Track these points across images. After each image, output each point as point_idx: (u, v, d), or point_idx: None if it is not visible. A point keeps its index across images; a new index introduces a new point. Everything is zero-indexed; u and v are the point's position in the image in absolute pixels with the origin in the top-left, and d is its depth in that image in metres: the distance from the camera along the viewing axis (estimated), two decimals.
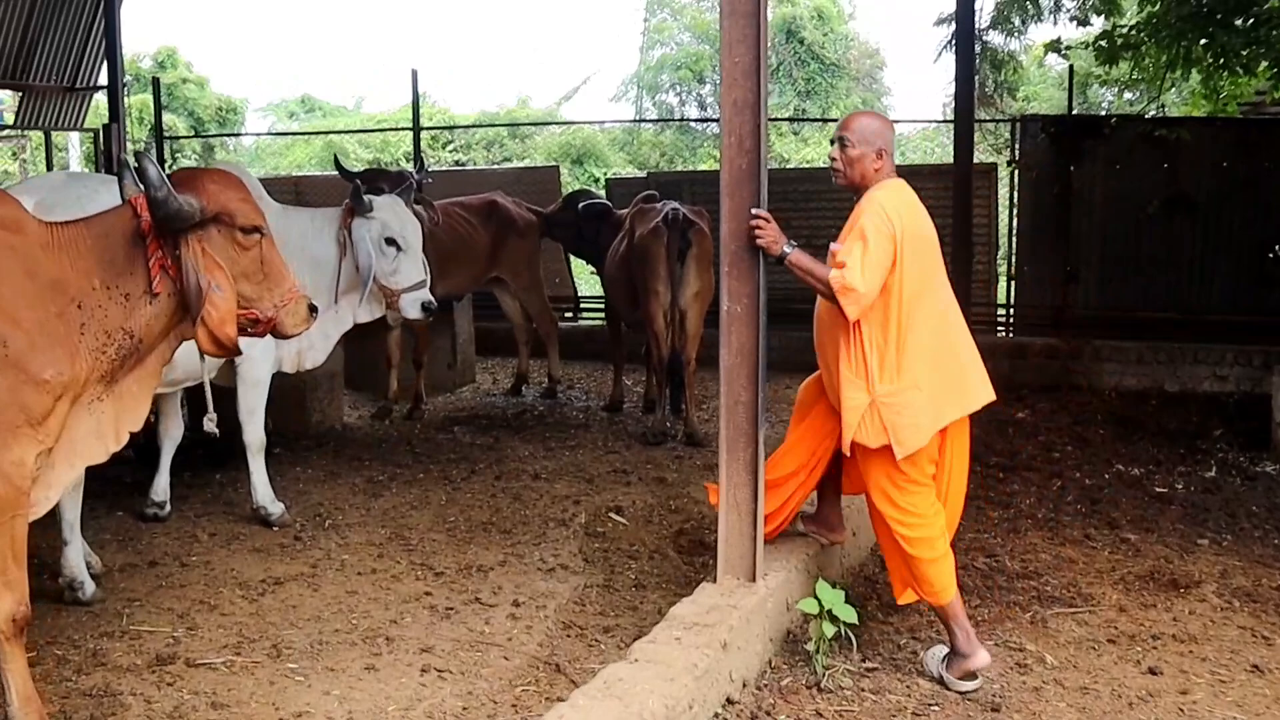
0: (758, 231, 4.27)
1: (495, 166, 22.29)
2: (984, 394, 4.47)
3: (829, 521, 5.04)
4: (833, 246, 4.37)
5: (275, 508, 6.23)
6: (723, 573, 4.44)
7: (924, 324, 4.33)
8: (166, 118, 32.75)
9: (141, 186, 3.65)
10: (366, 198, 6.35)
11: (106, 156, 12.74)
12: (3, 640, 3.70)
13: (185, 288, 3.71)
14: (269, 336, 5.97)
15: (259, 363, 6.17)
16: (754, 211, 4.28)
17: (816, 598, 4.35)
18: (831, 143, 4.54)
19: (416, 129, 12.74)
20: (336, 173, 8.58)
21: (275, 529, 6.14)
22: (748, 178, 4.32)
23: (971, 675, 4.31)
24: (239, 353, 3.90)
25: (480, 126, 26.00)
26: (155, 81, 13.85)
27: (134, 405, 3.95)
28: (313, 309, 4.14)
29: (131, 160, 3.87)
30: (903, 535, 4.36)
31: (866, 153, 4.38)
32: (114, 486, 6.97)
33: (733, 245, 4.36)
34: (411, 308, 6.48)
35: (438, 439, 8.39)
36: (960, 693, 4.27)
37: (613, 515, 6.38)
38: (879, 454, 4.34)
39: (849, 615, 4.32)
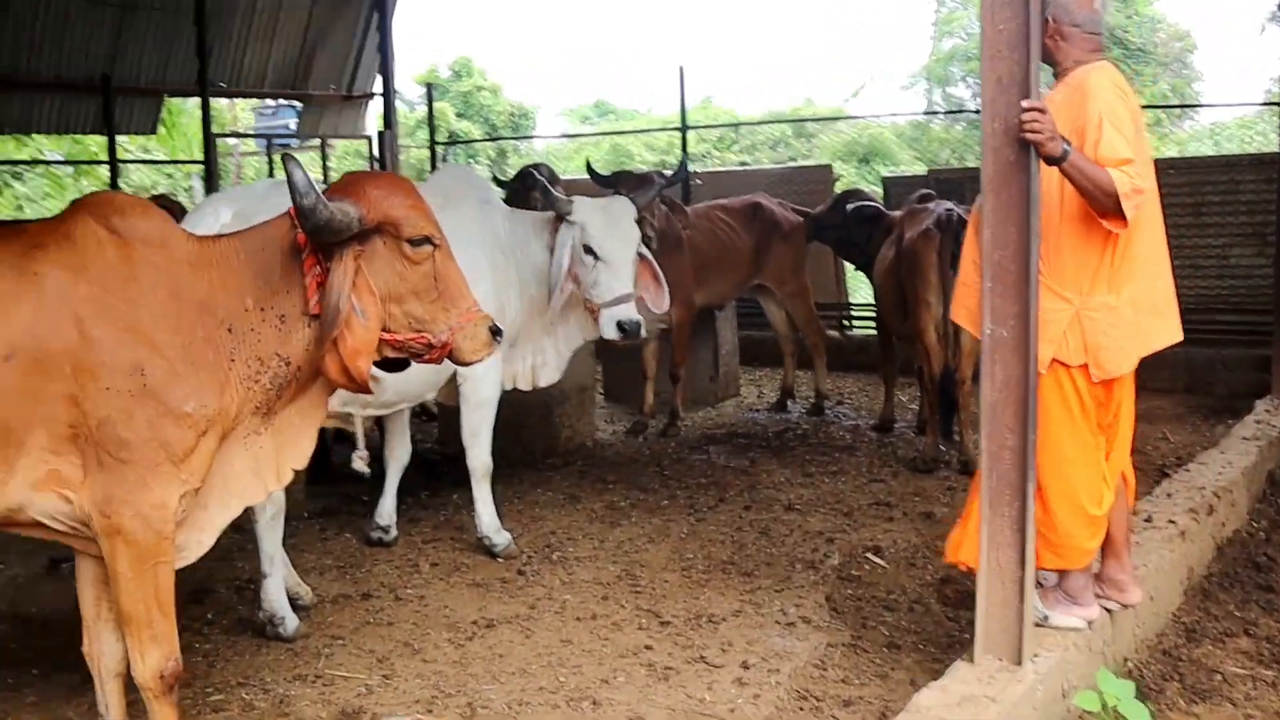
0: (1033, 125, 3.48)
1: (766, 166, 21.63)
2: (1179, 330, 3.99)
3: (1117, 581, 4.19)
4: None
5: (500, 538, 5.80)
6: (981, 651, 3.67)
7: (1146, 229, 3.83)
8: (461, 124, 33.87)
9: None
10: (565, 199, 5.82)
11: (380, 163, 12.84)
12: (151, 698, 3.36)
13: (323, 305, 3.26)
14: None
15: (485, 381, 5.73)
16: (1025, 104, 3.48)
17: (1098, 690, 3.51)
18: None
19: (684, 129, 12.23)
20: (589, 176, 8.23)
21: (499, 560, 5.72)
22: (1015, 170, 3.53)
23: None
24: (368, 390, 3.41)
25: (748, 124, 25.38)
26: (429, 88, 14.02)
27: (296, 439, 3.56)
28: (496, 332, 3.60)
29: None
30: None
31: (1078, 33, 3.88)
32: (350, 505, 6.75)
33: (997, 254, 3.58)
34: (608, 326, 5.75)
35: (690, 460, 7.82)
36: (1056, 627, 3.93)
37: (870, 556, 5.65)
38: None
39: (1140, 716, 3.45)
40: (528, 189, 8.80)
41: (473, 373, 5.65)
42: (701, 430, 8.78)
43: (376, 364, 3.60)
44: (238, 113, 24.44)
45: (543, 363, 6.13)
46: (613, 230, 5.79)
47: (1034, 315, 3.54)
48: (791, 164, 21.31)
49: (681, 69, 11.97)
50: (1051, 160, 3.57)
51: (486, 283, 5.64)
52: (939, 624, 4.82)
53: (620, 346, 6.37)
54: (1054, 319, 3.78)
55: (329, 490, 7.16)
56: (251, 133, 20.92)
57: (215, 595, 5.32)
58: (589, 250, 5.71)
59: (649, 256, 5.88)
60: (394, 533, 6.03)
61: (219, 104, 24.58)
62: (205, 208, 5.04)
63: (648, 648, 4.61)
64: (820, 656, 4.50)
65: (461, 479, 6.27)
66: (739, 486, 7.00)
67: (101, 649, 3.51)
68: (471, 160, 30.27)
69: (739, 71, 52.93)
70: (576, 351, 6.37)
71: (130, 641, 3.31)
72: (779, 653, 4.54)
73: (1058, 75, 3.99)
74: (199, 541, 3.50)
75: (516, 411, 7.98)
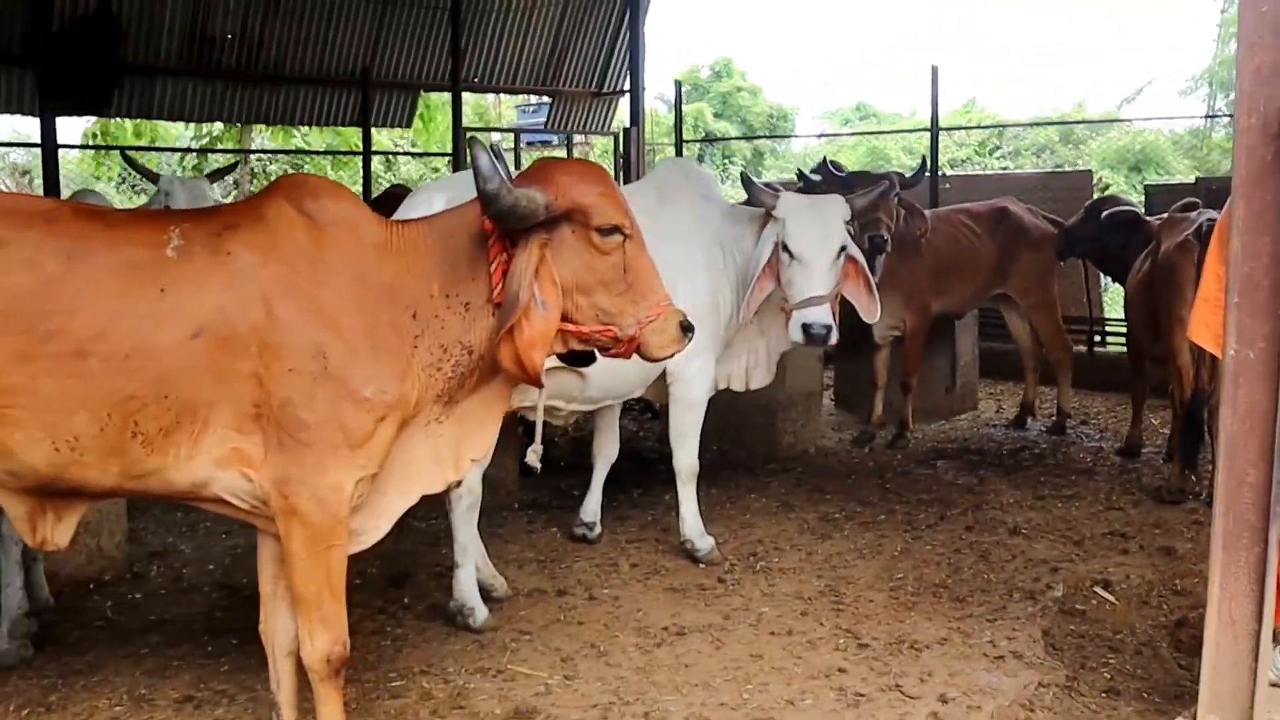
0: None
1: (1022, 171, 20.72)
2: None
3: None
4: None
5: (703, 542, 5.63)
6: (1206, 711, 3.27)
7: None
8: (719, 125, 33.96)
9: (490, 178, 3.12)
10: (770, 194, 5.56)
11: (624, 161, 12.85)
12: (317, 680, 3.35)
13: (504, 292, 3.16)
14: (704, 352, 5.52)
15: (695, 381, 5.57)
16: None
17: None
18: None
19: (934, 130, 11.76)
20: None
21: (701, 566, 5.55)
22: (1272, 173, 3.13)
23: None
24: (539, 384, 3.27)
25: (1003, 126, 24.42)
26: (678, 87, 13.87)
27: (478, 430, 3.48)
28: (687, 327, 3.43)
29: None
30: None
31: None
32: (560, 499, 6.71)
33: (1247, 266, 3.19)
34: (795, 328, 5.42)
35: (915, 473, 7.47)
36: None
37: (1098, 590, 5.21)
38: None
39: None
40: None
41: (683, 372, 5.51)
42: (931, 443, 8.40)
43: (561, 356, 3.50)
44: (502, 110, 25.10)
45: (755, 363, 5.93)
46: (812, 228, 5.46)
47: None
48: (1048, 170, 20.33)
49: (935, 68, 11.52)
50: None
51: (702, 281, 5.48)
52: (1168, 671, 4.38)
53: (809, 350, 6.11)
54: None
55: (542, 482, 7.15)
56: (502, 127, 21.41)
57: (415, 580, 5.34)
58: (786, 248, 5.45)
59: (860, 260, 5.56)
60: (598, 530, 5.94)
61: (484, 100, 25.34)
62: (419, 195, 5.05)
63: (841, 670, 4.36)
64: (1029, 696, 4.14)
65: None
66: (963, 505, 6.62)
67: (276, 626, 3.53)
68: (728, 161, 30.25)
69: (1006, 74, 51.35)
70: (790, 353, 6.11)
71: (300, 622, 3.31)
72: (983, 688, 4.20)
73: None
74: (376, 527, 3.47)
75: (740, 414, 7.84)
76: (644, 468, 7.46)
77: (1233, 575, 3.23)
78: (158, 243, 3.12)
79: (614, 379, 5.15)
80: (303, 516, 3.16)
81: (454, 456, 3.47)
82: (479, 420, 3.48)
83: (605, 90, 14.67)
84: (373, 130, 14.38)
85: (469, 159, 3.13)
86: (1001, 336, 9.71)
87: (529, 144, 21.51)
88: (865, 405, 8.70)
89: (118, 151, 14.63)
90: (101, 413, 3.03)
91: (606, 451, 5.94)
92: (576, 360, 3.55)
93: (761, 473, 7.43)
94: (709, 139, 30.94)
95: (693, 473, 5.66)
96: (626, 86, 14.35)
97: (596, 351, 3.48)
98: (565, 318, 3.29)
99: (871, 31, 57.72)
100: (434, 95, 16.49)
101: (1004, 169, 24.96)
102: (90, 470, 3.11)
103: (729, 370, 5.90)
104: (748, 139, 31.50)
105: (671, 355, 3.46)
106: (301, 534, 3.18)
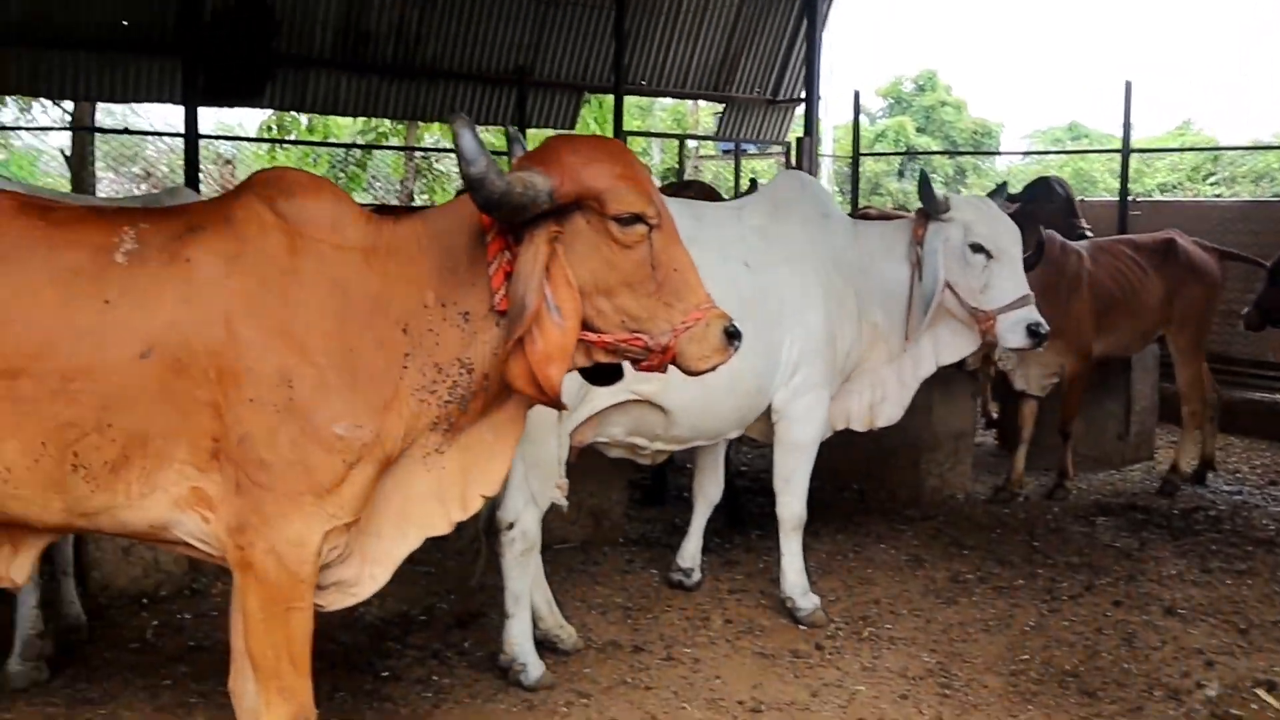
0: None
1: (1221, 199, 19.26)
2: None
3: None
4: None
5: (806, 601, 5.07)
6: None
7: None
8: (921, 139, 33.01)
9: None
10: (941, 195, 4.99)
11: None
12: None
13: (509, 298, 2.69)
14: (815, 388, 4.97)
15: (803, 421, 5.01)
16: None
17: None
18: None
19: (1125, 150, 10.84)
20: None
21: (801, 628, 4.99)
22: None
23: None
24: (560, 405, 2.79)
25: (1204, 150, 22.83)
26: (856, 96, 13.18)
27: (488, 461, 3.01)
28: (733, 334, 2.87)
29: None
30: None
31: None
32: (669, 535, 6.23)
33: None
34: (1013, 333, 4.93)
35: (1068, 530, 6.72)
36: None
37: (1259, 693, 4.47)
38: None
39: None
40: (1036, 201, 8.18)
41: (790, 410, 4.97)
42: (1095, 496, 7.61)
43: (584, 372, 3.01)
44: (700, 116, 24.69)
45: (882, 397, 5.32)
46: (1003, 222, 5.02)
47: None
48: (1252, 200, 18.83)
49: (1128, 84, 10.61)
50: None
51: (816, 308, 4.95)
52: None
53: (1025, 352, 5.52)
54: None
55: (655, 515, 6.71)
56: (666, 133, 21.02)
57: (483, 622, 4.92)
58: (977, 249, 4.92)
59: None
60: (696, 576, 5.44)
61: (683, 106, 24.97)
62: None
63: None
64: None
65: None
66: (1114, 574, 5.87)
67: (243, 687, 3.12)
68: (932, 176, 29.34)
69: (1225, 96, 48.62)
70: (940, 387, 5.51)
71: (259, 689, 2.90)
72: None
73: None
74: (371, 576, 3.04)
75: (884, 452, 7.23)
76: (771, 506, 6.91)
77: None
78: (106, 245, 2.74)
79: (705, 416, 4.65)
80: (259, 572, 2.76)
81: (460, 492, 3.01)
82: (489, 450, 3.01)
83: (780, 99, 14.12)
84: (533, 131, 14.17)
85: (452, 135, 2.65)
86: None
87: (725, 153, 21.05)
88: (1040, 448, 7.91)
89: (291, 144, 14.77)
90: (35, 442, 2.67)
91: (708, 493, 5.43)
92: (602, 376, 3.05)
93: (898, 519, 6.81)
94: (907, 152, 30.05)
95: (799, 522, 5.11)
96: (803, 95, 13.86)
97: (626, 365, 2.98)
98: (586, 325, 2.80)
99: (1088, 47, 55.36)
100: (607, 98, 16.21)
101: (1216, 196, 23.40)
102: (30, 505, 2.76)
103: (848, 408, 5.33)
104: (948, 154, 30.48)
105: (714, 367, 2.89)
106: (258, 592, 2.78)
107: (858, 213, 9.48)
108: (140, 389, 2.69)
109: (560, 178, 2.69)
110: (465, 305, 2.82)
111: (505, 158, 4.21)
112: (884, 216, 7.90)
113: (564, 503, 3.17)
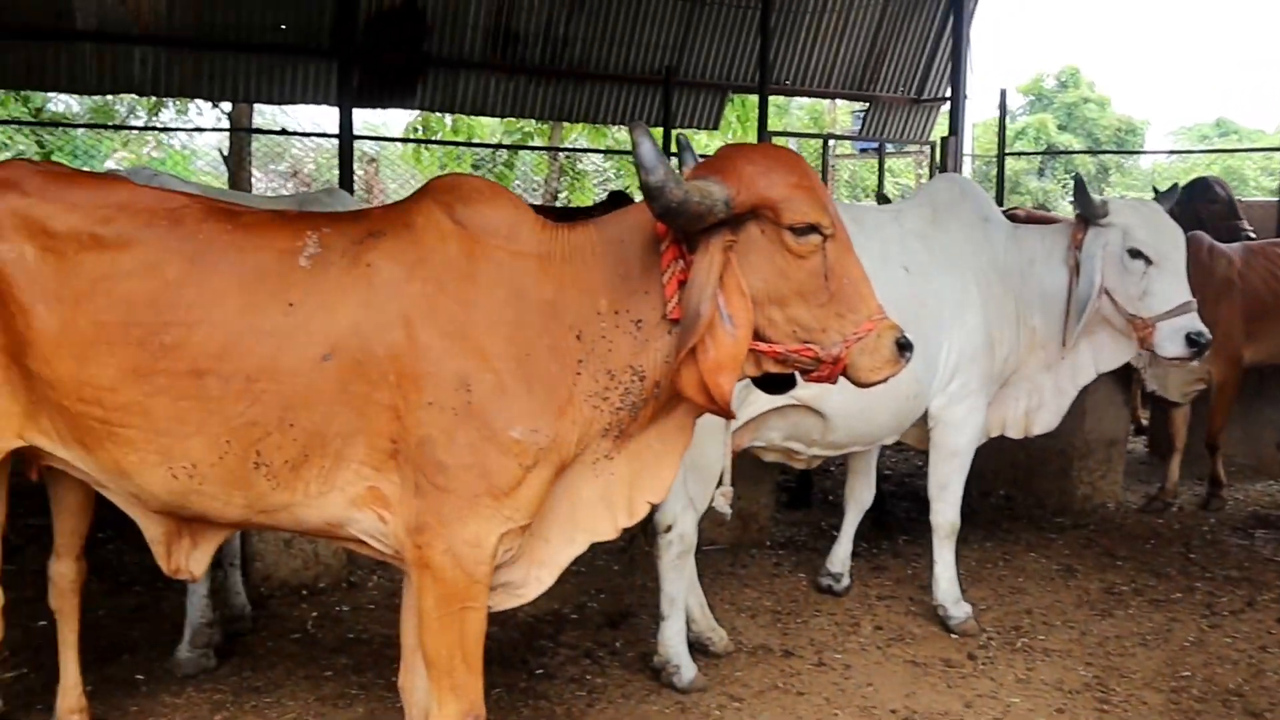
0: None
1: None
2: None
3: None
4: None
5: (958, 610, 5.03)
6: None
7: None
8: (1063, 137, 32.31)
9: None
10: (1099, 199, 4.89)
11: (943, 170, 12.17)
12: None
13: (682, 307, 2.71)
14: (974, 394, 4.93)
15: (960, 427, 4.96)
16: None
17: None
18: None
19: None
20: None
21: (953, 636, 4.95)
22: None
23: None
24: (730, 414, 2.81)
25: None
26: (1002, 94, 12.93)
27: (655, 468, 3.04)
28: (904, 346, 2.86)
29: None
30: None
31: None
32: (817, 539, 6.24)
33: None
34: (1171, 341, 4.80)
35: (1226, 543, 6.54)
36: None
37: None
38: None
39: None
40: (1195, 202, 8.05)
41: (948, 416, 4.94)
42: (1253, 507, 7.39)
43: (756, 381, 3.02)
44: (837, 115, 24.53)
45: (1038, 404, 5.26)
46: (1166, 226, 4.91)
47: None
48: None
49: None
50: None
51: (975, 314, 4.90)
52: None
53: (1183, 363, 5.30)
54: None
55: (801, 518, 6.72)
56: (806, 132, 20.86)
57: (635, 622, 4.99)
58: (1136, 254, 4.83)
59: None
60: (845, 581, 5.44)
61: (819, 105, 24.82)
62: None
63: None
64: None
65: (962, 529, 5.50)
66: (1277, 590, 5.70)
67: (414, 683, 3.21)
68: (1070, 176, 28.68)
69: None
70: (1091, 394, 5.41)
71: (431, 686, 2.97)
72: None
73: None
74: (538, 579, 3.11)
75: (1033, 458, 7.14)
76: (918, 512, 6.87)
77: None
78: (291, 250, 2.85)
79: (862, 423, 4.64)
80: (436, 571, 2.84)
81: (627, 498, 3.05)
82: (656, 457, 3.04)
83: (925, 98, 13.96)
84: (679, 131, 14.23)
85: (630, 143, 2.68)
86: None
87: (861, 151, 20.84)
88: (1193, 457, 7.70)
89: (437, 145, 15.01)
90: (220, 439, 2.80)
91: (860, 497, 5.42)
92: (773, 385, 3.06)
93: (1048, 528, 6.70)
94: (1049, 151, 29.43)
95: (952, 530, 5.07)
96: (948, 94, 13.68)
97: (797, 375, 2.98)
98: (757, 335, 2.82)
99: (1235, 40, 53.50)
100: (749, 97, 16.18)
101: None
102: (212, 501, 2.89)
103: (1004, 414, 5.28)
104: (1091, 153, 29.78)
105: (885, 379, 2.89)
106: (434, 591, 2.86)
107: (1005, 214, 9.30)
108: (321, 390, 2.79)
109: (737, 187, 2.70)
110: (638, 313, 2.85)
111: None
112: (1031, 218, 7.78)
113: (728, 510, 3.18)
